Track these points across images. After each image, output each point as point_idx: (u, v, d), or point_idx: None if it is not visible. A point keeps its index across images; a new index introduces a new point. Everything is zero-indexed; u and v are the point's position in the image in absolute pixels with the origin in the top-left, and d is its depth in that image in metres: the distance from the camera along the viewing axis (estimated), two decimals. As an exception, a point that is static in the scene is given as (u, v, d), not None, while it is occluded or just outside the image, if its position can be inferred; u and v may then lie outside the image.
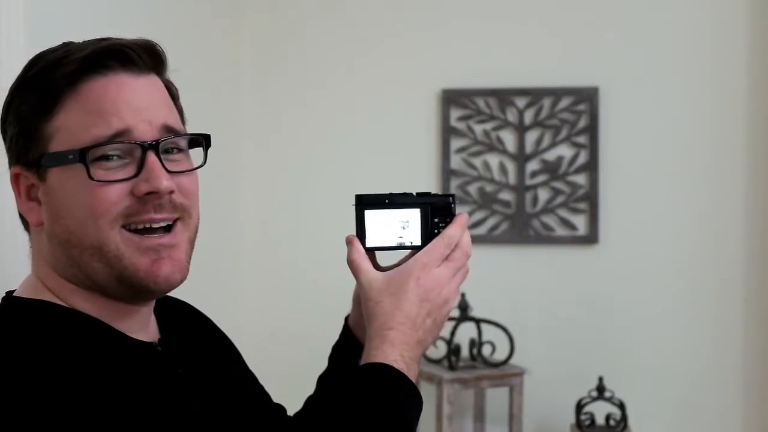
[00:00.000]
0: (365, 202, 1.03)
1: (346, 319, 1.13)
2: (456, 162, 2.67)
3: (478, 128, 2.67)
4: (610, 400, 2.42)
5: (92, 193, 0.87)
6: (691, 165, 2.62)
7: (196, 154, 0.97)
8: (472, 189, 2.67)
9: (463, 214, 1.03)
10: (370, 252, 1.03)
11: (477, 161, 2.67)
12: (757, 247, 2.58)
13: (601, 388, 2.43)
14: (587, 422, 2.42)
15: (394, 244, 1.03)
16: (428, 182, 2.67)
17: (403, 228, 1.03)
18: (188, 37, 2.28)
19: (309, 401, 1.15)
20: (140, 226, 0.89)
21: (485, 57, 2.67)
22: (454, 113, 2.66)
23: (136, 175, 0.88)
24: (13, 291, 0.96)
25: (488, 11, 2.67)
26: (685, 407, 2.62)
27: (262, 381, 1.15)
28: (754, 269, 2.59)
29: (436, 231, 1.02)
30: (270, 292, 2.74)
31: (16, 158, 0.91)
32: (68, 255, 0.89)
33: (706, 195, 2.61)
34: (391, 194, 1.03)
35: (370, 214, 1.02)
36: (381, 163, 2.69)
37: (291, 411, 1.13)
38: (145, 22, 2.03)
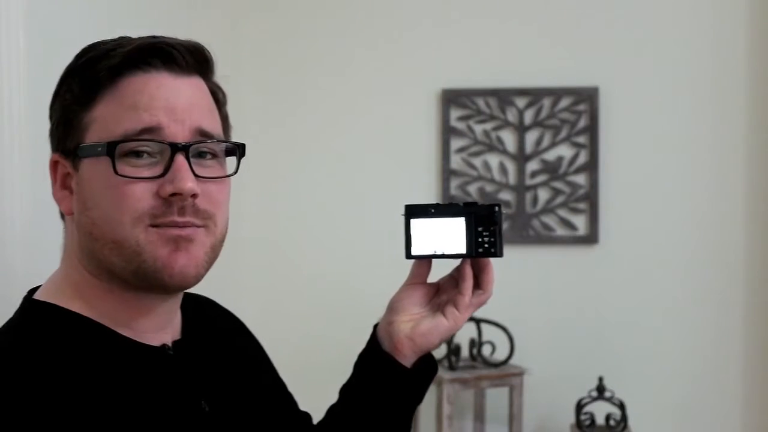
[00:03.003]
0: (412, 212, 1.06)
1: (375, 327, 1.12)
2: (456, 162, 2.67)
3: (478, 128, 2.67)
4: (610, 400, 2.42)
5: (118, 188, 0.86)
6: (691, 165, 2.62)
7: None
8: (472, 189, 2.67)
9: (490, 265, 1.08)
10: (419, 260, 1.08)
11: (477, 161, 2.67)
12: (758, 247, 2.58)
13: (601, 388, 2.43)
14: (587, 422, 2.42)
15: (439, 252, 1.06)
16: (428, 182, 2.67)
17: (449, 237, 1.06)
18: (188, 36, 2.27)
19: (333, 412, 1.14)
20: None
21: (485, 57, 2.67)
22: (454, 113, 2.66)
23: (162, 175, 0.86)
24: (40, 286, 0.95)
25: (488, 11, 2.67)
26: (685, 407, 2.62)
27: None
28: (755, 269, 2.59)
29: (479, 239, 1.04)
30: (269, 293, 2.74)
31: (55, 145, 0.92)
32: (90, 247, 0.89)
33: (706, 195, 2.61)
34: (437, 204, 1.07)
35: (415, 223, 1.06)
36: (381, 163, 2.69)
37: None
38: (144, 22, 2.03)
